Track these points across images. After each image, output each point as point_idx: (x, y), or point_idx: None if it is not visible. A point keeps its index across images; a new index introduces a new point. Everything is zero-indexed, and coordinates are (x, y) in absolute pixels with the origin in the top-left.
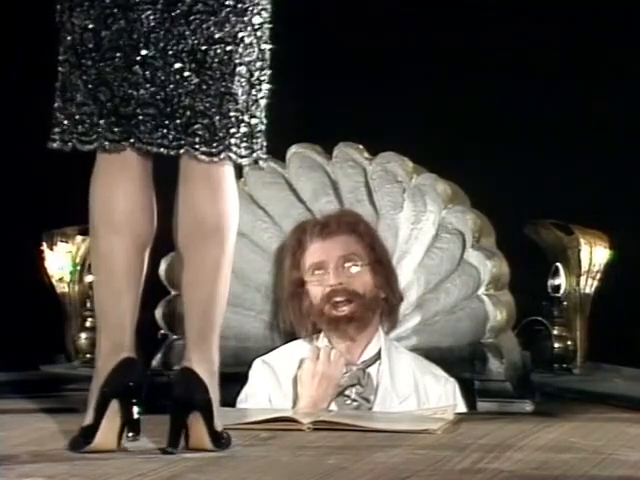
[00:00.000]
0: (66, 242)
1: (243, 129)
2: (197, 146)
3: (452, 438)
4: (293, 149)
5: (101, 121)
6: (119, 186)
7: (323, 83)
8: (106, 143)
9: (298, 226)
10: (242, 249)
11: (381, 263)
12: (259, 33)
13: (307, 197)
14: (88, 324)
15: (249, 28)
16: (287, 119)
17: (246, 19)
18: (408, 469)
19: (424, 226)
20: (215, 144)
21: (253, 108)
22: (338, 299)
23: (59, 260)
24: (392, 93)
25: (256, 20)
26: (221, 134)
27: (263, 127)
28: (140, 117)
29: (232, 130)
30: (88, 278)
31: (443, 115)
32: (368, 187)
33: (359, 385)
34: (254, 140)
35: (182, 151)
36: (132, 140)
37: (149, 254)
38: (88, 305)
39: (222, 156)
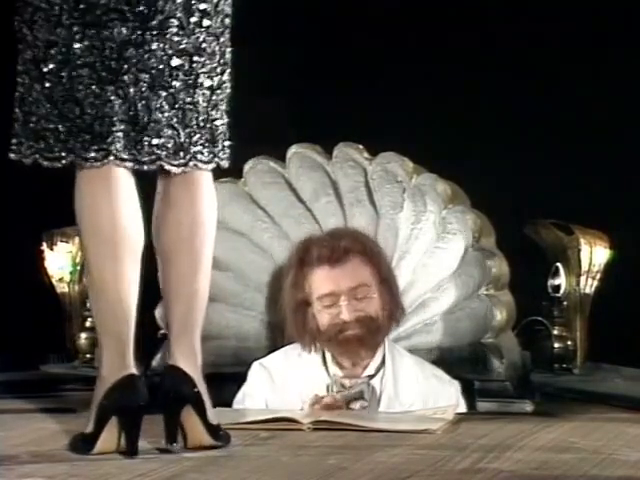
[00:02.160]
0: (66, 242)
1: (205, 136)
2: (167, 159)
3: (452, 438)
4: (293, 149)
5: (70, 138)
6: (103, 198)
7: (323, 83)
8: (82, 162)
9: (300, 246)
10: (242, 249)
11: (387, 281)
12: (222, 39)
13: (307, 197)
14: (88, 324)
15: (212, 37)
16: (287, 119)
17: (210, 29)
18: (408, 469)
19: (424, 226)
20: (181, 154)
21: (213, 113)
22: (351, 332)
23: (59, 260)
24: (392, 93)
25: (219, 28)
26: (185, 144)
27: (224, 128)
28: (116, 134)
29: (194, 139)
30: None
31: (443, 115)
32: (368, 187)
33: (363, 399)
34: (215, 144)
35: (156, 165)
36: (111, 158)
37: (148, 255)
38: (88, 305)
39: (190, 165)
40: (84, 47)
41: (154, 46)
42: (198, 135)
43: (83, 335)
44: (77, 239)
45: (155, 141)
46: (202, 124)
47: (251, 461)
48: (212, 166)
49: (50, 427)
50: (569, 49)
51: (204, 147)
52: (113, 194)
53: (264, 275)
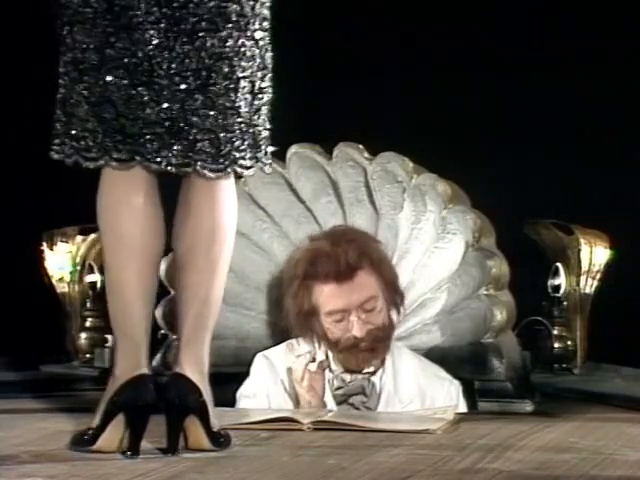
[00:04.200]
0: (66, 242)
1: (247, 140)
2: (203, 163)
3: (452, 438)
4: (293, 149)
5: (106, 139)
6: (125, 200)
7: (323, 83)
8: (113, 162)
9: (305, 256)
10: (242, 249)
11: (391, 284)
12: (261, 43)
13: (307, 197)
14: (88, 324)
15: (251, 41)
16: (287, 119)
17: (248, 32)
18: (408, 469)
19: (424, 226)
20: (221, 159)
21: (255, 117)
22: (363, 344)
23: (59, 260)
24: (392, 93)
25: (258, 32)
26: (226, 149)
27: (266, 133)
28: (147, 136)
29: (236, 143)
30: (88, 278)
31: (443, 115)
32: (368, 187)
33: (363, 395)
34: (258, 149)
35: (189, 169)
36: (139, 159)
37: None
38: (88, 305)
39: (228, 170)
40: (118, 49)
41: (186, 50)
42: (240, 140)
43: (83, 335)
44: (77, 239)
45: (190, 145)
46: (245, 129)
47: (251, 461)
48: (253, 172)
49: (50, 427)
50: (569, 49)
51: (246, 152)
52: (134, 196)
53: (264, 275)
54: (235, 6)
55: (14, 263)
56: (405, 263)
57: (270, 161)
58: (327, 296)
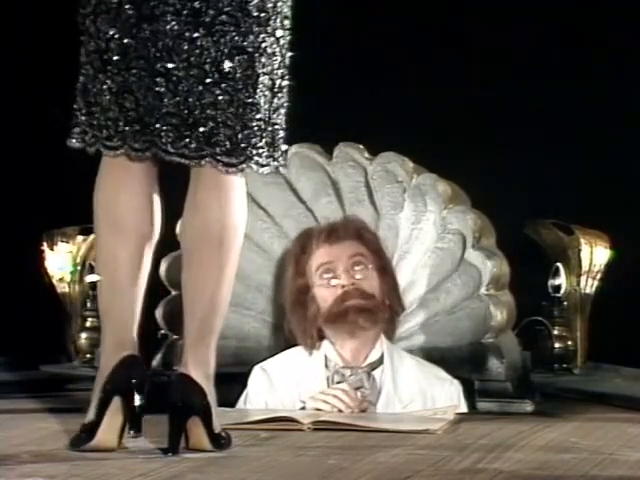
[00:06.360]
0: (66, 242)
1: (265, 139)
2: (218, 157)
3: (452, 438)
4: (293, 149)
5: (126, 128)
6: (122, 187)
7: (323, 83)
8: (131, 152)
9: (302, 233)
10: (242, 249)
11: (386, 271)
12: (282, 41)
13: (307, 197)
14: (88, 324)
15: (272, 37)
16: (287, 119)
17: (269, 29)
18: (408, 469)
19: (424, 226)
20: (237, 154)
21: (274, 116)
22: (351, 302)
23: (59, 260)
24: (392, 93)
25: (279, 29)
26: (243, 144)
27: (284, 133)
28: (163, 127)
29: (254, 140)
30: (88, 278)
31: (443, 115)
32: (368, 187)
33: (364, 388)
34: (275, 148)
35: (203, 162)
36: (154, 149)
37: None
38: (88, 305)
39: (243, 166)
40: (139, 40)
41: (205, 42)
42: (258, 137)
43: (83, 335)
44: (77, 239)
45: (206, 138)
46: (263, 126)
47: (251, 461)
48: (269, 170)
49: (50, 427)
50: (569, 48)
51: (264, 150)
52: (130, 181)
53: (264, 275)
54: (256, 1)
55: (14, 263)
56: (405, 263)
57: (286, 162)
58: (318, 256)
